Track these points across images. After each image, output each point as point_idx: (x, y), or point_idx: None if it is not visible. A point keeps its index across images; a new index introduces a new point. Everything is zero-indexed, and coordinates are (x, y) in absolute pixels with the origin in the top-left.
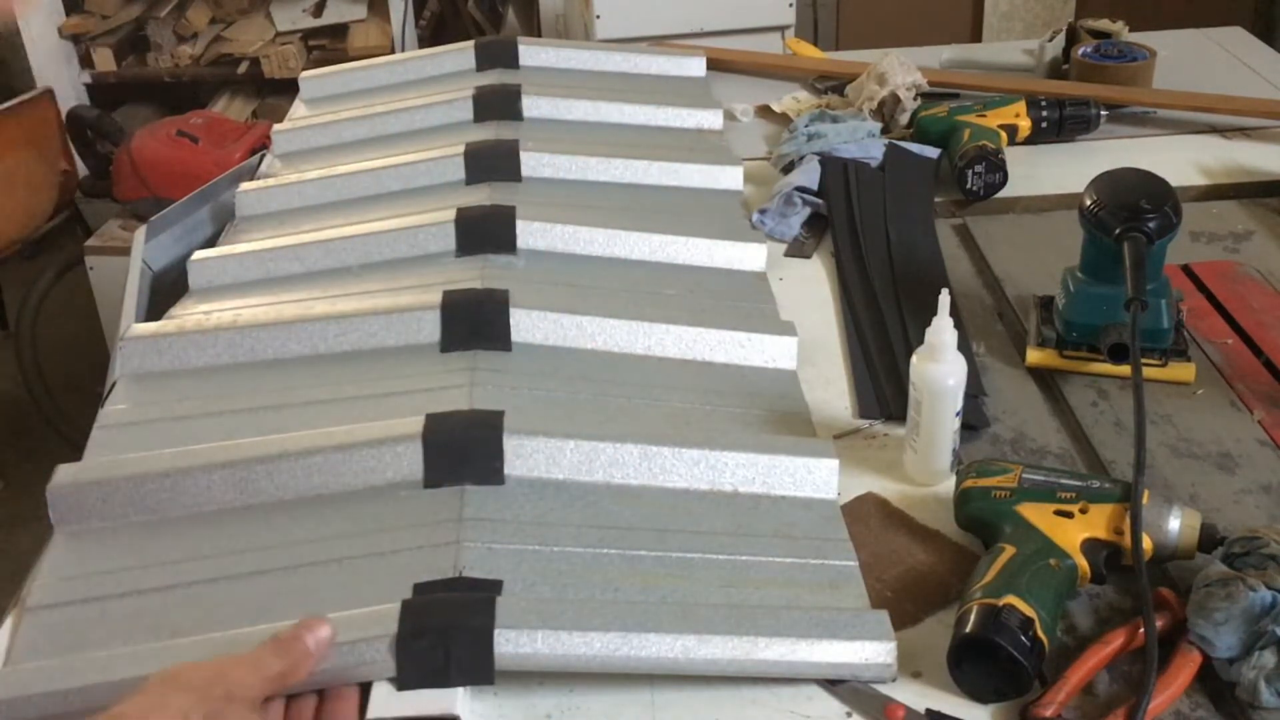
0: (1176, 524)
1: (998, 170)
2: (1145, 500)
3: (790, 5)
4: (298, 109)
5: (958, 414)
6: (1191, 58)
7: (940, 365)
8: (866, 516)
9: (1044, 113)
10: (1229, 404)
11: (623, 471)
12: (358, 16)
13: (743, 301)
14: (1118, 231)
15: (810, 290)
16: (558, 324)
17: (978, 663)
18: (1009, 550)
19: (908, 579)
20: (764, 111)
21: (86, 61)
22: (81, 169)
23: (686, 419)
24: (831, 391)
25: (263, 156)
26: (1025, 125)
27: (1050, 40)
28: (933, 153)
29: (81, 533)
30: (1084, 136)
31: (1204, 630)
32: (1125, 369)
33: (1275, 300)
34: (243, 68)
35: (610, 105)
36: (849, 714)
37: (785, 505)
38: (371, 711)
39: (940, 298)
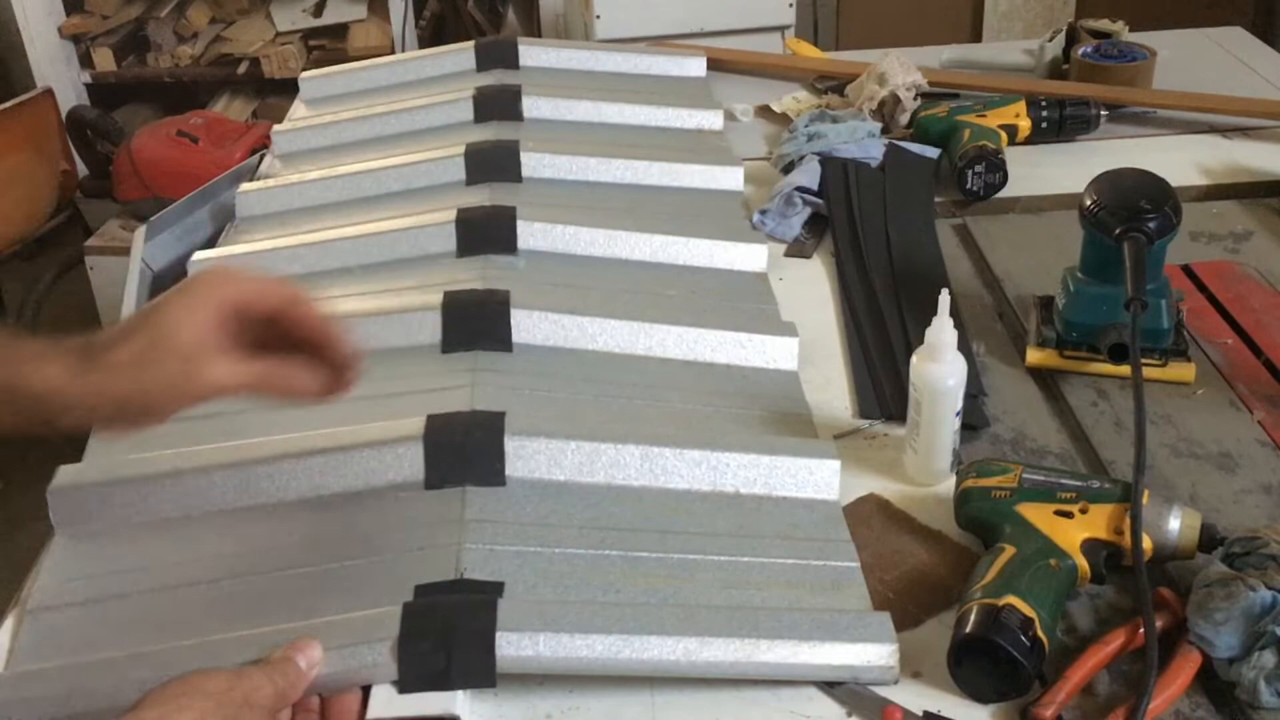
0: (1176, 524)
1: (998, 170)
2: (1145, 500)
3: (790, 5)
4: (298, 109)
5: (958, 414)
6: (1191, 58)
7: (940, 365)
8: (868, 517)
9: (1044, 113)
10: (1229, 404)
11: (624, 473)
12: (358, 16)
13: (744, 302)
14: (1118, 231)
15: (810, 290)
16: (559, 325)
17: (978, 663)
18: (1009, 550)
19: (910, 580)
20: (764, 111)
21: (86, 61)
22: (81, 169)
23: (688, 420)
24: (831, 392)
25: (263, 156)
26: (1025, 125)
27: (1050, 40)
28: (933, 153)
29: (82, 534)
30: (1084, 136)
31: (1204, 630)
32: (1125, 369)
33: (1275, 300)
34: (243, 68)
35: (610, 106)
36: (849, 714)
37: (787, 506)
38: (371, 712)
39: (940, 298)
